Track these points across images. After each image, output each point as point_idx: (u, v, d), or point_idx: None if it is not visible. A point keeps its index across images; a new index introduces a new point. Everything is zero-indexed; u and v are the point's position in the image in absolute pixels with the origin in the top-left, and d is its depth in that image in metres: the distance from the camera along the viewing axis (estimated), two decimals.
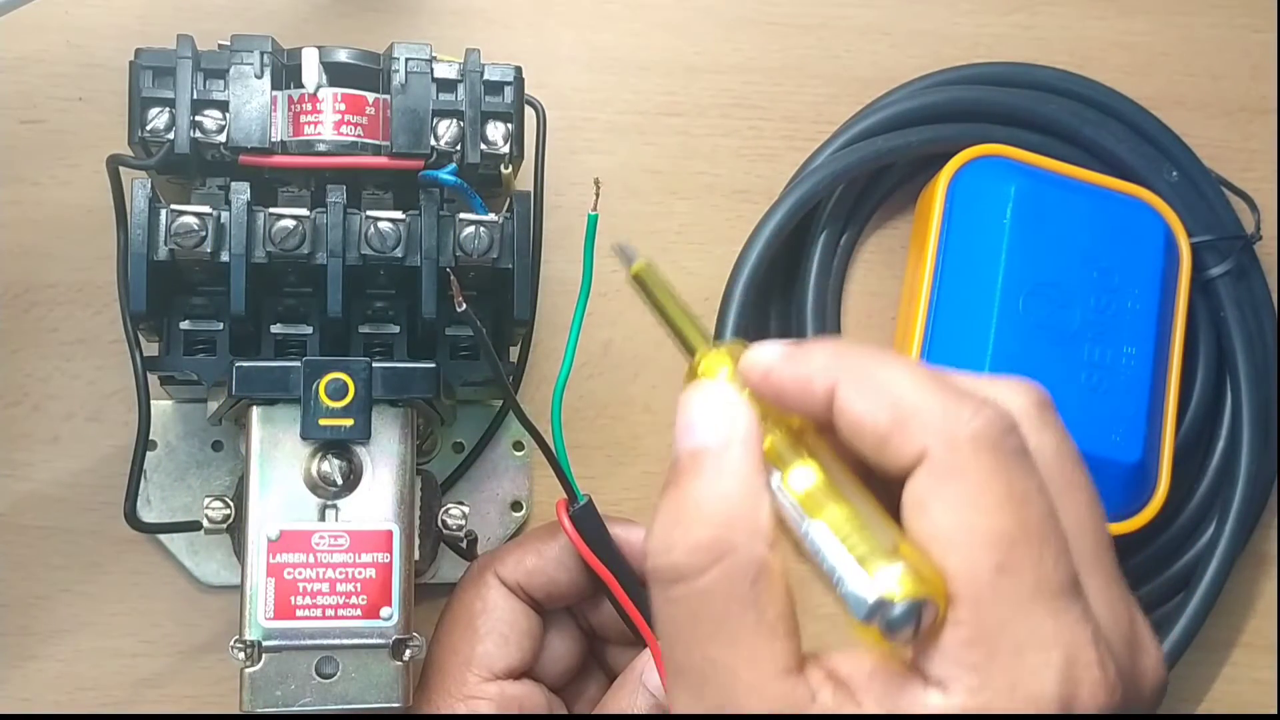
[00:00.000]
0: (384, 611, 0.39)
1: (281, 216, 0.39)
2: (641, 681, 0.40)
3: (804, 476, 0.28)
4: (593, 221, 0.40)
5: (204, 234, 0.39)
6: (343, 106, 0.40)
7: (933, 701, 0.25)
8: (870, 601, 0.26)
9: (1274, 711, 0.50)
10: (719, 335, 0.46)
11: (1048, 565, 0.26)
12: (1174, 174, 0.50)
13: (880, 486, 0.28)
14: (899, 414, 0.27)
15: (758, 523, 0.28)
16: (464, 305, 0.38)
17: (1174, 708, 0.49)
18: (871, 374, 0.28)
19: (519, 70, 0.41)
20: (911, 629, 0.26)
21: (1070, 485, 0.28)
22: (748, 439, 0.29)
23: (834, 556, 0.27)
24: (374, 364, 0.39)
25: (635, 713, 0.39)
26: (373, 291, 0.42)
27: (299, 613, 0.38)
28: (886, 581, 0.26)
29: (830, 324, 0.48)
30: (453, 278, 0.39)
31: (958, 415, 0.27)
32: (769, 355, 0.30)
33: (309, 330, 0.42)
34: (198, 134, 0.39)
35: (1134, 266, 0.46)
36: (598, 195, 0.40)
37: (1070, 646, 0.25)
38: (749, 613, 0.27)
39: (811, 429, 0.29)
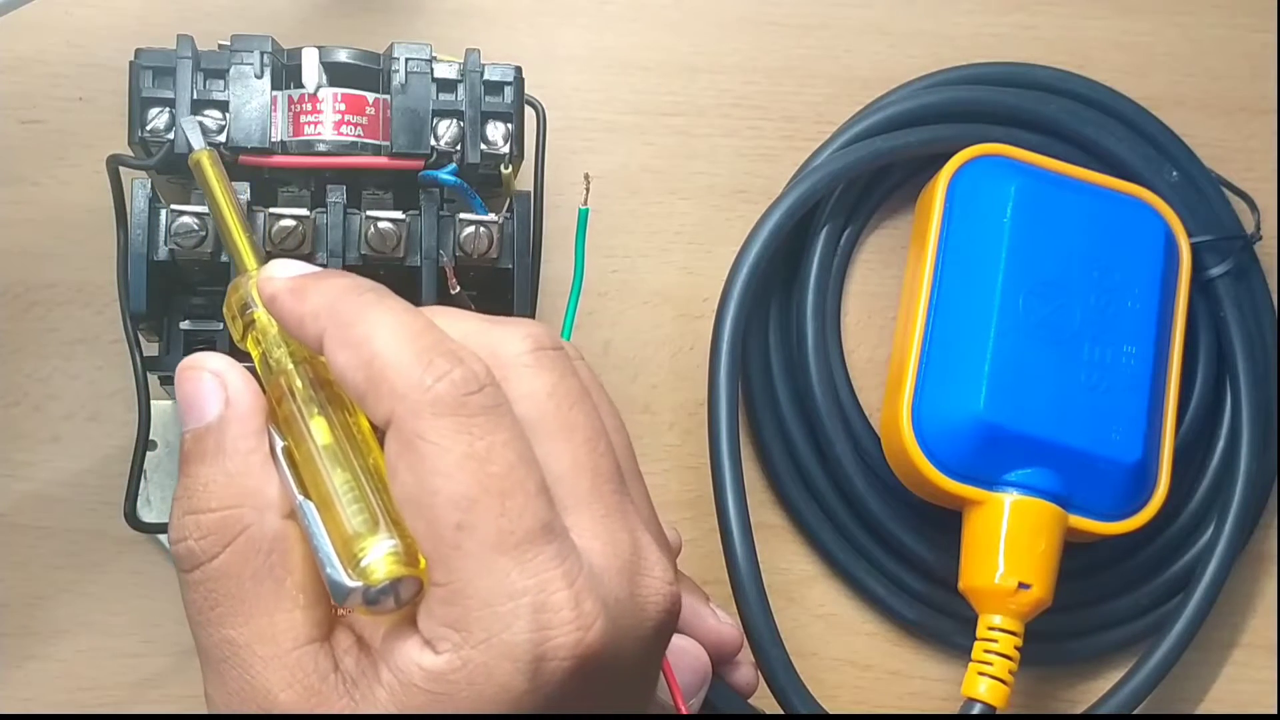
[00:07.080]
0: None
1: (281, 216, 0.39)
2: None
3: (316, 434, 0.28)
4: (583, 216, 0.40)
5: (204, 234, 0.39)
6: (343, 106, 0.40)
7: (426, 660, 0.26)
8: (346, 587, 0.26)
9: (1274, 711, 0.50)
10: (718, 333, 0.46)
11: (511, 516, 0.26)
12: (1174, 174, 0.50)
13: None
14: (371, 374, 0.27)
15: (265, 496, 0.28)
16: (457, 288, 0.38)
17: (1174, 708, 0.49)
18: (353, 325, 0.28)
19: (519, 70, 0.41)
20: (392, 603, 0.27)
21: (563, 426, 0.28)
22: (244, 412, 0.29)
23: (317, 538, 0.27)
24: None
25: None
26: None
27: None
28: (366, 563, 0.26)
29: (830, 324, 0.48)
30: (448, 262, 0.39)
31: (420, 380, 0.27)
32: (277, 284, 0.30)
33: None
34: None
35: (1134, 266, 0.46)
36: (588, 189, 0.40)
37: (540, 591, 0.26)
38: (264, 585, 0.28)
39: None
